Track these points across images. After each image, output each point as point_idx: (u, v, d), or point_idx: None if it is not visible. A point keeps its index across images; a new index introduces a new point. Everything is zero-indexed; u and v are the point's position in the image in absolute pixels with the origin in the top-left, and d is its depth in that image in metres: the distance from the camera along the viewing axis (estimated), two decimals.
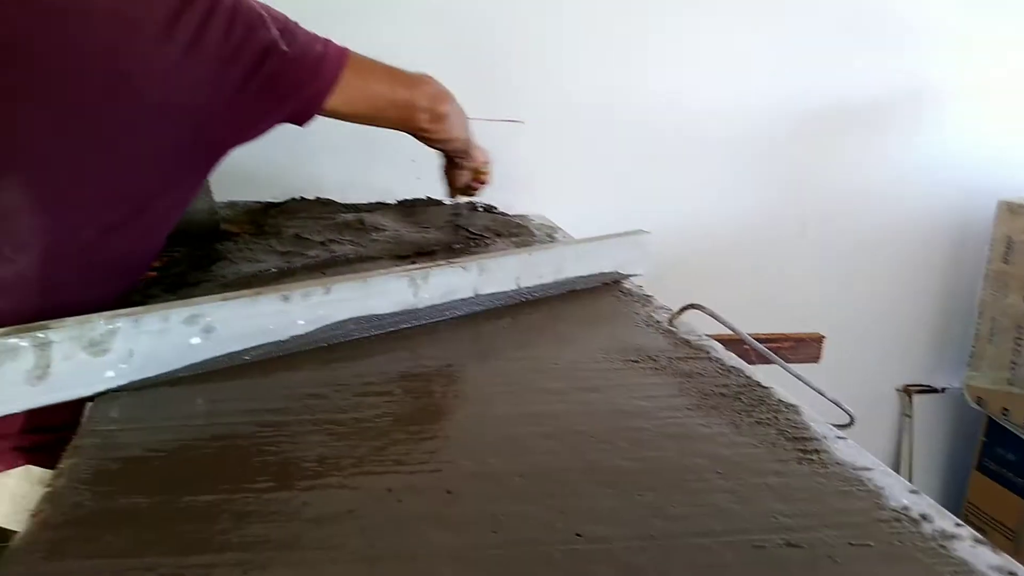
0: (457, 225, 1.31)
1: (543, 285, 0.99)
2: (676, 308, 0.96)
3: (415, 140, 1.45)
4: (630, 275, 1.08)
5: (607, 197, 1.57)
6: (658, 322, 0.93)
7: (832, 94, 1.61)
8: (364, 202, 1.39)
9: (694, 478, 0.58)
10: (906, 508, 0.56)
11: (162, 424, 0.64)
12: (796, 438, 0.65)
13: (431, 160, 1.47)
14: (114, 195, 0.83)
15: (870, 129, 1.63)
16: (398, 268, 0.87)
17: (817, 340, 1.34)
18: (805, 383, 0.90)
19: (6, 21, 0.76)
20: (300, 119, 0.93)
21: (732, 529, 0.52)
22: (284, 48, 0.85)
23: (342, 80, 0.91)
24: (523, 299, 0.97)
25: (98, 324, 0.65)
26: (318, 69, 0.89)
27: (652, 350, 0.83)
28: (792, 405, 0.72)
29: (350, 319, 0.83)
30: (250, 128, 0.91)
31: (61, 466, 0.56)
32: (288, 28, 0.88)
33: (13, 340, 0.61)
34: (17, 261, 0.77)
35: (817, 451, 0.63)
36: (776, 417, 0.69)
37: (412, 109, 1.01)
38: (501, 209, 1.52)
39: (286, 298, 0.77)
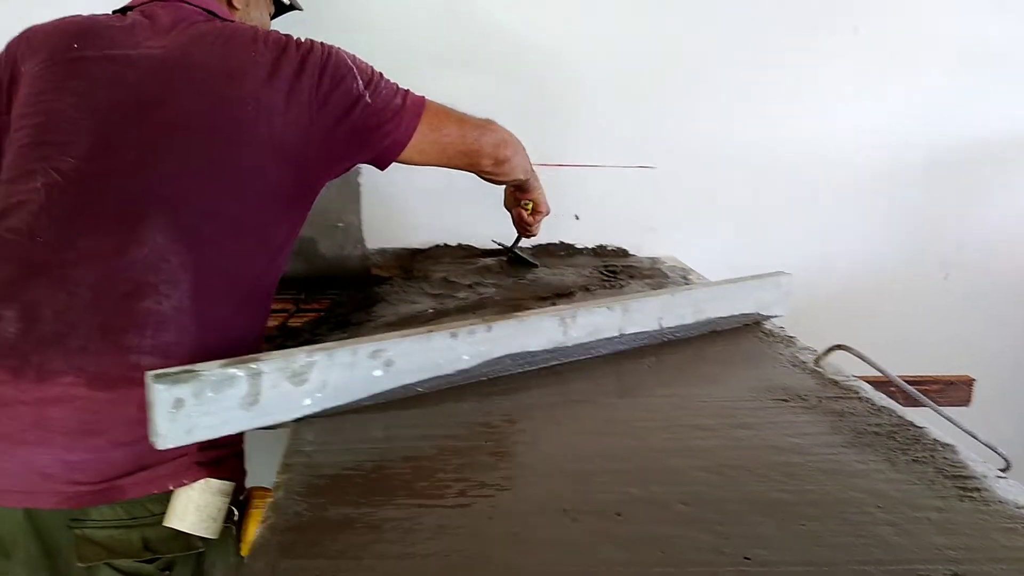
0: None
1: (684, 326, 1.03)
2: (819, 349, 0.97)
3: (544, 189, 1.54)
4: (771, 316, 1.10)
5: (739, 239, 1.59)
6: (803, 362, 0.95)
7: (970, 133, 1.58)
8: (502, 246, 1.47)
9: (854, 511, 0.61)
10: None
11: (353, 447, 0.71)
12: (955, 476, 0.66)
13: (565, 210, 1.55)
14: (240, 227, 0.91)
15: (1013, 167, 1.58)
16: (550, 308, 0.93)
17: (967, 383, 1.30)
18: (957, 425, 0.90)
19: (144, 83, 0.89)
20: (380, 164, 1.02)
21: (896, 559, 0.54)
22: (368, 100, 0.95)
23: (418, 132, 0.99)
24: (665, 339, 1.01)
25: (300, 357, 0.74)
26: (397, 121, 0.98)
27: (800, 390, 0.85)
28: (948, 444, 0.73)
29: (507, 355, 0.89)
30: (337, 168, 1.00)
31: (277, 481, 0.64)
32: (373, 80, 0.97)
33: (232, 370, 0.71)
34: (172, 296, 0.83)
35: (978, 489, 0.64)
36: (932, 456, 0.70)
37: (478, 155, 1.09)
38: (633, 251, 1.57)
39: (454, 335, 0.84)
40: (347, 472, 0.67)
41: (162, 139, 0.88)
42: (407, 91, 1.01)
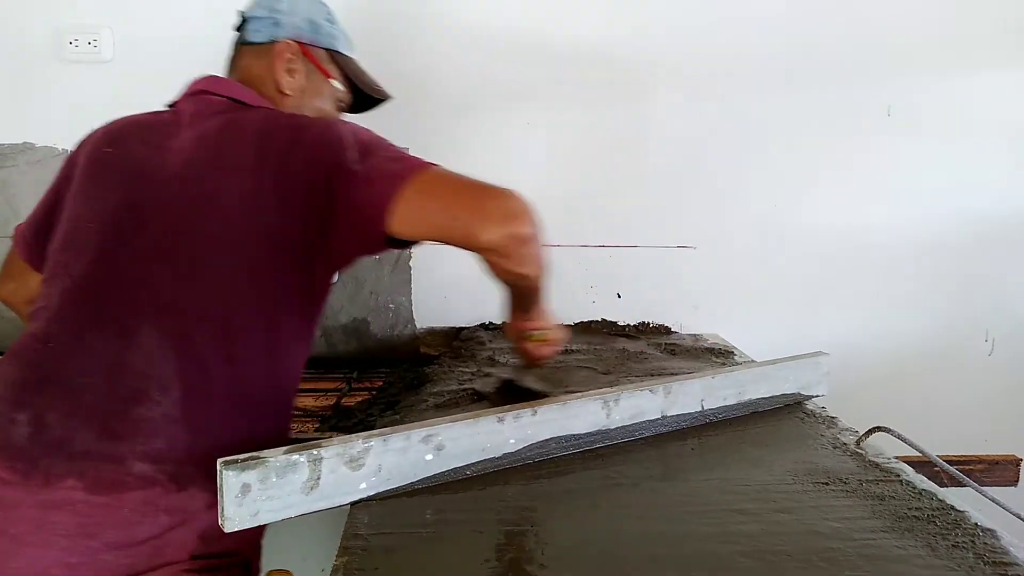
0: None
1: (726, 407, 1.05)
2: (861, 429, 0.99)
3: (588, 268, 1.59)
4: (812, 396, 1.12)
5: (780, 318, 1.61)
6: (844, 444, 0.96)
7: (1011, 206, 1.59)
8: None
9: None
10: None
11: (406, 530, 0.75)
12: (995, 563, 0.67)
13: (607, 285, 1.60)
14: (232, 331, 0.88)
15: None
16: (593, 392, 0.97)
17: (1014, 463, 1.29)
18: (1001, 506, 0.90)
19: (154, 185, 0.91)
20: (371, 241, 0.89)
21: None
22: (355, 168, 0.87)
23: (403, 199, 0.84)
24: (707, 420, 1.04)
25: (357, 443, 0.79)
26: (380, 187, 0.85)
27: (841, 472, 0.87)
28: (989, 529, 0.74)
29: (552, 438, 0.93)
30: (336, 254, 0.93)
31: (336, 563, 0.68)
32: (371, 149, 0.89)
33: (295, 456, 0.75)
34: (163, 403, 0.83)
35: (982, 554, 0.65)
36: (973, 541, 0.71)
37: (476, 222, 0.84)
38: (675, 328, 1.60)
39: (500, 419, 0.88)
40: (400, 555, 0.70)
41: (159, 243, 0.89)
42: (416, 159, 0.89)
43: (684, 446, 0.98)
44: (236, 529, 0.73)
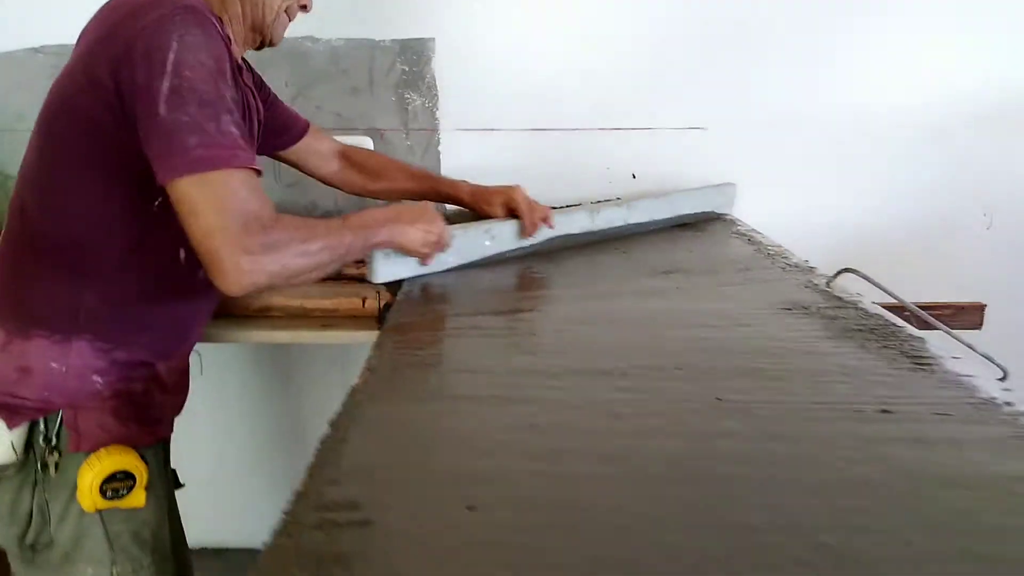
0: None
1: (667, 219, 1.50)
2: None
3: (604, 151, 1.70)
4: (723, 214, 1.56)
5: (789, 196, 1.70)
6: (815, 284, 1.08)
7: (1009, 87, 1.64)
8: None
9: (819, 376, 0.76)
10: (994, 398, 0.70)
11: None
12: (914, 356, 0.80)
13: (622, 166, 1.70)
14: (25, 184, 0.93)
15: None
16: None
17: (979, 308, 1.38)
18: (966, 345, 1.02)
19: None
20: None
21: (841, 401, 0.69)
22: (163, 111, 0.81)
23: (175, 188, 0.81)
24: (655, 228, 1.47)
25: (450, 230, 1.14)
26: (165, 157, 0.82)
27: (805, 302, 1.00)
28: (920, 337, 0.86)
29: (557, 236, 1.30)
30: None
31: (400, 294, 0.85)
32: (184, 95, 0.81)
33: None
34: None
35: (931, 364, 0.78)
36: (902, 343, 0.84)
37: (211, 274, 0.82)
38: None
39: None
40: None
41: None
42: (201, 152, 0.81)
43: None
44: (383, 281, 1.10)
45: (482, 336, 0.89)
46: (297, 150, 1.29)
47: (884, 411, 0.67)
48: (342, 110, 1.67)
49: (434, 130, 1.68)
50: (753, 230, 1.48)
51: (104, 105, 0.83)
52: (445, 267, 1.17)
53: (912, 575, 0.46)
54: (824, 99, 1.65)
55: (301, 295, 1.22)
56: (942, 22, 1.62)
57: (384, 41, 1.63)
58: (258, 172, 0.87)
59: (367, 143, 1.64)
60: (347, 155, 1.36)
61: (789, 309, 0.97)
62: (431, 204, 1.10)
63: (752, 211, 1.66)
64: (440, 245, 1.10)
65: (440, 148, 1.69)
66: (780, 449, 0.61)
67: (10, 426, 0.90)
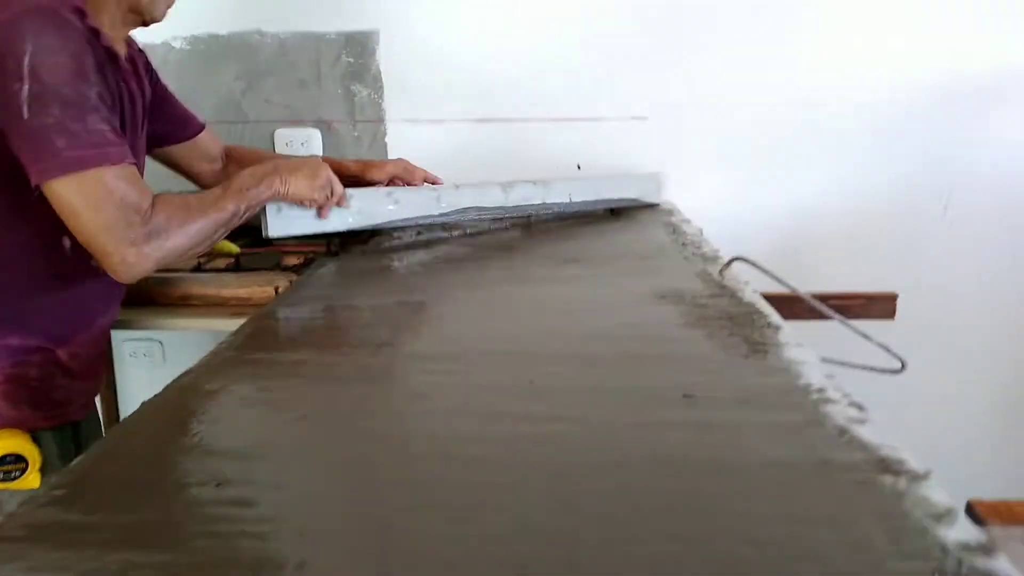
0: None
1: (588, 202, 1.51)
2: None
3: (547, 142, 1.70)
4: (653, 203, 1.59)
5: (736, 184, 1.69)
6: (709, 273, 1.08)
7: (968, 68, 1.61)
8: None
9: (645, 363, 0.76)
10: (809, 385, 0.70)
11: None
12: (755, 342, 0.80)
13: (568, 161, 1.71)
14: None
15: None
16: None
17: (891, 298, 1.36)
18: (852, 329, 1.02)
19: None
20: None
21: (650, 386, 0.70)
22: (26, 115, 0.84)
23: (50, 190, 0.86)
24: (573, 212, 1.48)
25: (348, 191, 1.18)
26: (35, 161, 0.86)
27: (685, 292, 1.00)
28: (778, 326, 0.86)
29: (471, 207, 1.35)
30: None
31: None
32: (44, 97, 0.84)
33: None
34: None
35: (765, 352, 0.78)
36: (752, 332, 0.84)
37: (105, 267, 0.90)
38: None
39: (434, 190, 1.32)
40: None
41: None
42: (68, 155, 0.85)
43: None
44: (277, 235, 1.11)
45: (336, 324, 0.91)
46: (188, 148, 1.28)
47: (686, 396, 0.68)
48: (290, 102, 1.70)
49: (380, 121, 1.70)
50: (684, 220, 1.48)
51: None
52: (347, 227, 1.19)
53: (634, 562, 0.47)
54: (769, 88, 1.64)
55: (217, 284, 1.25)
56: (886, 8, 1.59)
57: (329, 34, 1.66)
58: (134, 163, 0.90)
59: (315, 136, 1.68)
60: (230, 153, 1.37)
61: (664, 297, 0.98)
62: (319, 158, 1.13)
63: (693, 201, 1.66)
64: (332, 192, 1.12)
65: (387, 140, 1.71)
66: (561, 429, 0.62)
67: None
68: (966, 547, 0.46)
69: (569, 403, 0.68)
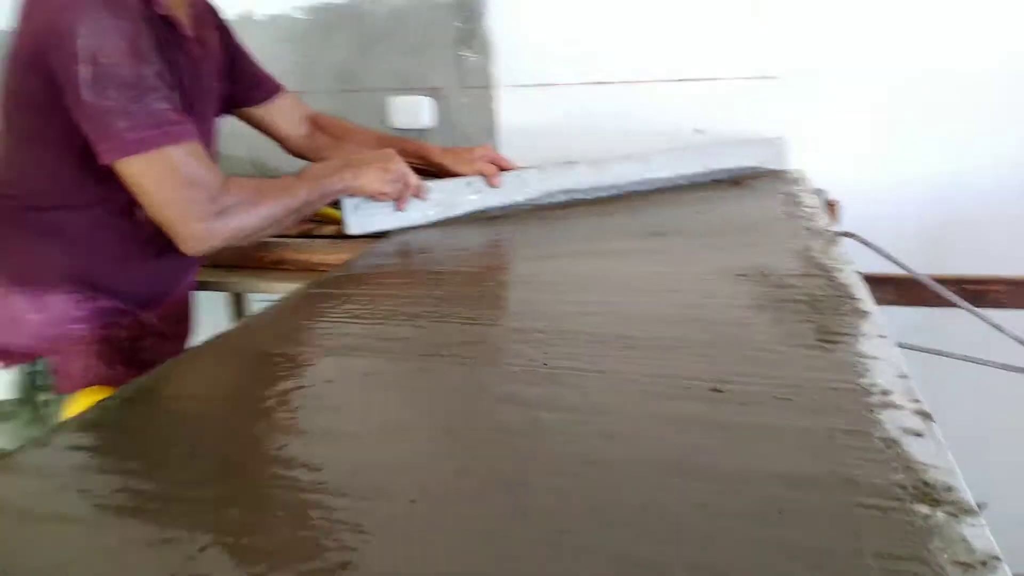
0: None
1: (697, 174, 1.38)
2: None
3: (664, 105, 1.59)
4: (770, 169, 1.42)
5: (870, 152, 1.50)
6: (810, 250, 0.96)
7: None
8: None
9: (684, 348, 0.67)
10: (873, 385, 0.59)
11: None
12: (827, 331, 0.69)
13: (686, 125, 1.59)
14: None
15: None
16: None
17: None
18: (981, 317, 0.87)
19: None
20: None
21: (679, 376, 0.62)
22: (83, 94, 0.87)
23: (120, 167, 0.91)
24: (682, 183, 1.37)
25: (426, 184, 1.18)
26: (103, 140, 0.89)
27: (772, 269, 0.88)
28: (865, 312, 0.74)
29: (559, 190, 1.29)
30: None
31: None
32: (104, 80, 0.87)
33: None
34: None
35: (835, 343, 0.67)
36: (828, 319, 0.72)
37: (175, 239, 0.95)
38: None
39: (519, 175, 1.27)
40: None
41: None
42: (132, 136, 0.89)
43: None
44: (356, 232, 1.13)
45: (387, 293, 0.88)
46: (267, 111, 1.29)
47: (714, 390, 0.59)
48: (402, 69, 1.69)
49: (489, 87, 1.66)
50: (808, 189, 1.32)
51: (37, 87, 0.91)
52: (427, 220, 1.16)
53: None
54: (915, 52, 1.43)
55: (309, 250, 1.27)
56: None
57: None
58: (196, 139, 0.91)
59: (425, 103, 1.66)
60: (317, 120, 1.36)
61: (745, 275, 0.87)
62: (392, 150, 1.10)
63: (826, 168, 1.49)
64: (406, 184, 1.09)
65: (494, 106, 1.67)
66: (561, 417, 0.56)
67: (3, 367, 1.03)
68: None
69: (580, 388, 0.61)
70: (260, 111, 1.28)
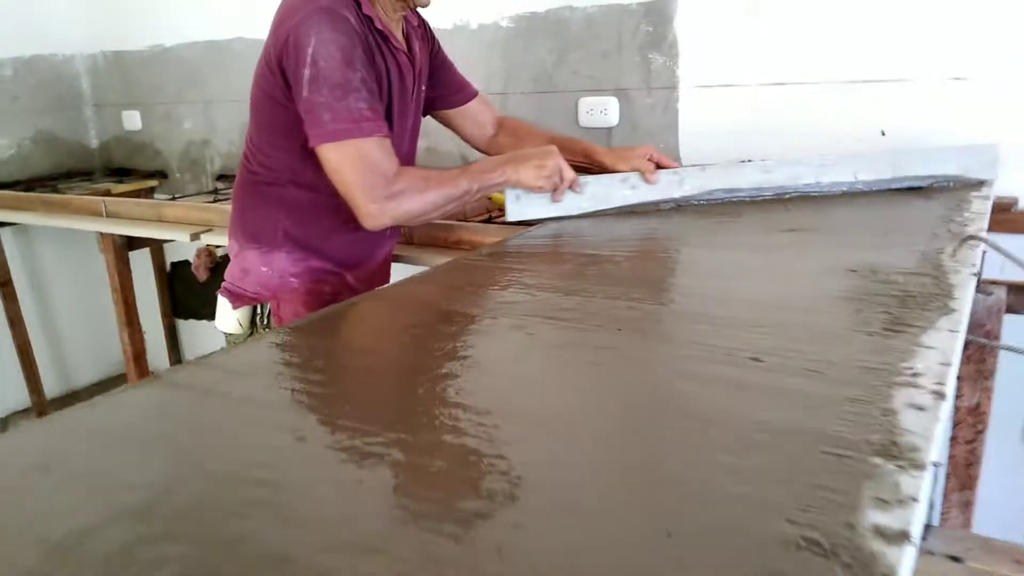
0: None
1: (880, 180, 1.31)
2: None
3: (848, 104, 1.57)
4: (975, 179, 1.29)
5: None
6: (939, 252, 0.97)
7: None
8: None
9: (763, 325, 0.75)
10: (904, 367, 0.63)
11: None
12: (899, 322, 0.73)
13: (870, 127, 1.57)
14: (246, 143, 1.32)
15: None
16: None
17: None
18: None
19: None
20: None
21: (728, 347, 0.70)
22: (301, 89, 1.11)
23: (319, 152, 1.13)
24: (860, 190, 1.31)
25: (581, 178, 1.29)
26: (310, 127, 1.12)
27: (885, 267, 0.91)
28: (952, 310, 0.76)
29: (720, 188, 1.32)
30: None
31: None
32: (317, 81, 1.09)
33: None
34: None
35: (898, 332, 0.71)
36: (908, 312, 0.76)
37: (357, 214, 1.15)
38: None
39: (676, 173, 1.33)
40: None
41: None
42: (329, 128, 1.10)
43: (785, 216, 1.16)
44: (515, 219, 1.28)
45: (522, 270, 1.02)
46: (460, 113, 1.46)
47: (754, 359, 0.67)
48: (594, 72, 1.83)
49: (674, 88, 1.74)
50: (986, 196, 1.27)
51: (276, 85, 1.16)
52: (581, 211, 1.28)
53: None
54: None
55: (484, 233, 1.45)
56: None
57: (632, 5, 1.75)
58: (387, 136, 1.12)
59: (613, 103, 1.79)
60: (503, 124, 1.51)
61: (855, 271, 0.91)
62: (552, 147, 1.24)
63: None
64: (561, 178, 1.23)
65: (679, 106, 1.75)
66: (616, 374, 0.67)
67: (234, 307, 1.31)
68: (878, 531, 0.43)
69: (639, 350, 0.71)
70: (456, 113, 1.47)
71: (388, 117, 1.20)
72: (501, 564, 0.42)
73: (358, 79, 1.11)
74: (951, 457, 1.09)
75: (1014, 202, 1.45)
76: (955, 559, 0.54)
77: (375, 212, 1.12)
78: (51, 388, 2.79)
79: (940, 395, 0.58)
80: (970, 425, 1.05)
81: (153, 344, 2.77)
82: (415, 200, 1.14)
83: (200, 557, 0.44)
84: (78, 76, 2.85)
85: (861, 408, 0.57)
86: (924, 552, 0.55)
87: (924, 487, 0.47)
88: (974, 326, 1.05)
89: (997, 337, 1.03)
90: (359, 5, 1.14)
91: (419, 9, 1.27)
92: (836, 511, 0.45)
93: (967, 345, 1.07)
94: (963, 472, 1.07)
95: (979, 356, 1.04)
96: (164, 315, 2.91)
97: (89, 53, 2.83)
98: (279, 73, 1.15)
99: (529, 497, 0.48)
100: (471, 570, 0.42)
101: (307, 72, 1.09)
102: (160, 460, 0.56)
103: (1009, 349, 1.01)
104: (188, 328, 2.95)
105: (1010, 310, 1.04)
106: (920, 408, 0.56)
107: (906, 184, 1.31)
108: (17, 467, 0.55)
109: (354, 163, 1.10)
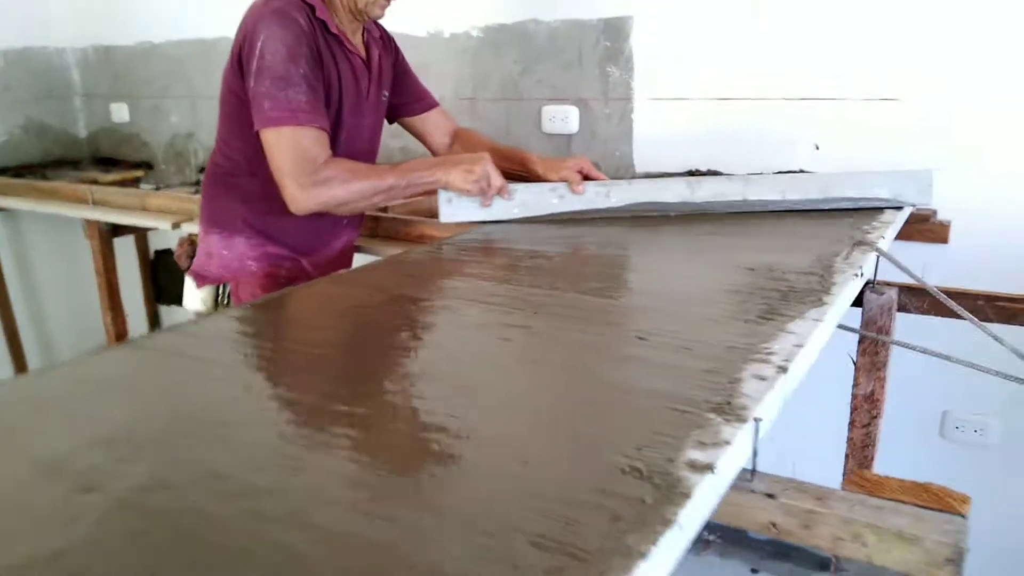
0: None
1: (810, 200, 1.37)
2: None
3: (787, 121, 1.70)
4: (908, 204, 1.35)
5: (1000, 182, 1.53)
6: (834, 255, 1.09)
7: None
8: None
9: (651, 313, 0.87)
10: (763, 347, 0.76)
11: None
12: (774, 312, 0.85)
13: (805, 139, 1.70)
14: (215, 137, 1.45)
15: None
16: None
17: None
18: (981, 328, 0.98)
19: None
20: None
21: (625, 329, 0.82)
22: (249, 80, 1.24)
23: (260, 136, 1.24)
24: (787, 209, 1.37)
25: (512, 185, 1.36)
26: (255, 113, 1.24)
27: (780, 267, 1.03)
28: (823, 304, 0.89)
29: (646, 202, 1.38)
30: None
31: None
32: (261, 73, 1.21)
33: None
34: None
35: (771, 320, 0.83)
36: (785, 305, 0.88)
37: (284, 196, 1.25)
38: None
39: (604, 185, 1.39)
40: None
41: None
42: (267, 115, 1.22)
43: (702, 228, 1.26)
44: (448, 221, 1.36)
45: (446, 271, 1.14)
46: (422, 120, 1.58)
47: (640, 337, 0.79)
48: (556, 83, 1.95)
49: (629, 99, 1.87)
50: (903, 210, 1.39)
51: (236, 79, 1.28)
52: (510, 216, 1.36)
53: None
54: None
55: (444, 230, 1.57)
56: None
57: (592, 20, 1.87)
58: (323, 128, 1.24)
59: (573, 113, 1.91)
60: (458, 134, 1.62)
61: (753, 269, 1.03)
62: (484, 153, 1.34)
63: (948, 195, 1.51)
64: (489, 184, 1.31)
65: (633, 116, 1.88)
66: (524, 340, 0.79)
67: (198, 287, 1.43)
68: (691, 464, 0.55)
69: (549, 330, 0.83)
70: (418, 120, 1.59)
71: (339, 114, 1.32)
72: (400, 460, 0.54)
73: (299, 74, 1.22)
74: (849, 439, 1.22)
75: (932, 213, 1.57)
76: (771, 496, 0.66)
77: (299, 197, 1.22)
78: (35, 366, 2.89)
79: (783, 369, 0.70)
80: (866, 411, 1.18)
81: (136, 328, 2.87)
82: (339, 189, 1.23)
83: (154, 473, 0.55)
84: (68, 68, 2.95)
85: (714, 378, 0.69)
86: (747, 491, 0.67)
87: (741, 435, 0.59)
88: (868, 323, 1.18)
89: (888, 332, 1.15)
90: (313, 9, 1.27)
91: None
92: (663, 449, 0.57)
93: (862, 340, 1.20)
94: (859, 452, 1.19)
95: (873, 349, 1.16)
96: (147, 300, 3.01)
97: (80, 47, 2.93)
98: (238, 69, 1.27)
99: (435, 432, 0.60)
100: (382, 477, 0.53)
101: (255, 65, 1.21)
102: (132, 403, 0.68)
103: (899, 344, 1.13)
104: (170, 314, 3.05)
105: (901, 309, 1.16)
106: (761, 378, 0.69)
107: (833, 206, 1.36)
108: (12, 406, 0.67)
109: (286, 149, 1.21)
